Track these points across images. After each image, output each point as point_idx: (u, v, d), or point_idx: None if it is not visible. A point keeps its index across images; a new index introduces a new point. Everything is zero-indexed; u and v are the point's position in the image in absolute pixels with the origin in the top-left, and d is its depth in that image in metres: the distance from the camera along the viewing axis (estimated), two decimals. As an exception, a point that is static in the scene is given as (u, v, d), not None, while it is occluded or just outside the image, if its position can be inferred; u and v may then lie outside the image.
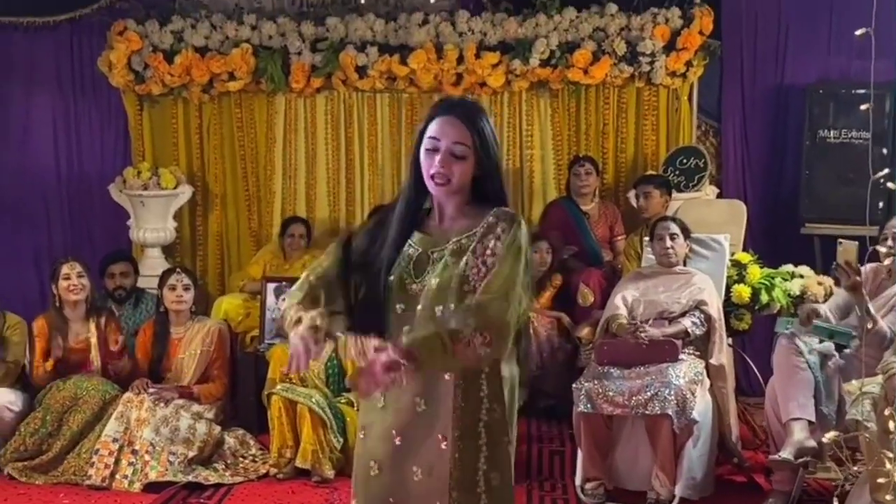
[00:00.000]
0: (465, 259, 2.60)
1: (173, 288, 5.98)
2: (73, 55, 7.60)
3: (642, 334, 5.20)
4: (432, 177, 2.65)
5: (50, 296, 6.09)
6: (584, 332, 6.07)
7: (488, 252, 2.59)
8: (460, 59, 7.11)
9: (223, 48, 7.19)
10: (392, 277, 2.69)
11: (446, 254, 2.65)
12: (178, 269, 6.14)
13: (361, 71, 7.18)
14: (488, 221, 2.61)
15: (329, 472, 5.42)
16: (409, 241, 2.73)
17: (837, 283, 5.32)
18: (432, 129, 2.67)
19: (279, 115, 7.53)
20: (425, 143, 2.67)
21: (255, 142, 7.54)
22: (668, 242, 5.53)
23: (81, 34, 7.55)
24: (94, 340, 5.93)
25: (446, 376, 2.62)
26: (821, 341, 5.04)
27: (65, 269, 5.95)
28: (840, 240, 5.05)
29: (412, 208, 2.75)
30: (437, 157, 2.63)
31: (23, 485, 5.47)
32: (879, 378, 4.23)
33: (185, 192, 7.34)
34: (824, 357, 5.04)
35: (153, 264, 7.13)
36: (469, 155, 2.63)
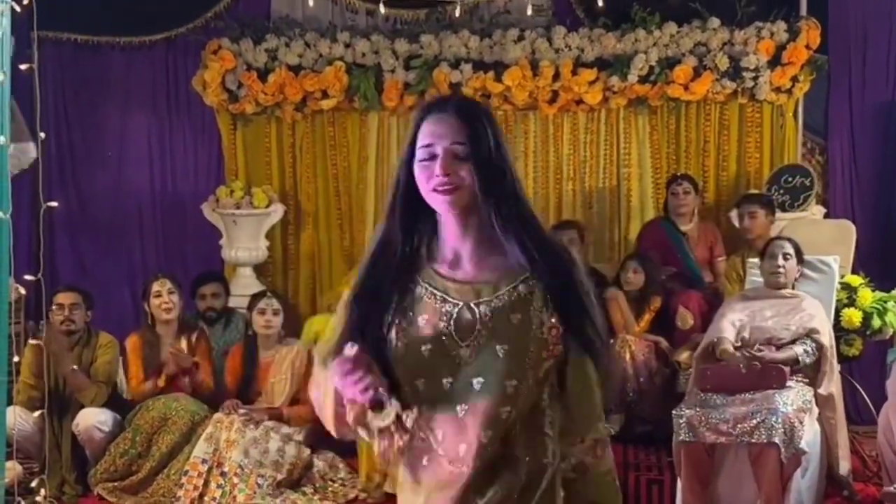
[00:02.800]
0: (534, 315, 2.11)
1: (262, 312, 5.99)
2: (168, 74, 7.70)
3: (759, 354, 5.06)
4: (434, 190, 2.11)
5: (142, 314, 6.15)
6: (684, 356, 5.94)
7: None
8: (556, 76, 7.03)
9: (316, 66, 7.20)
10: (426, 347, 2.13)
11: (504, 307, 2.12)
12: (267, 294, 6.15)
13: (455, 88, 7.11)
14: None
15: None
16: (432, 290, 2.17)
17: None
18: (423, 132, 2.15)
19: (372, 133, 7.51)
20: (418, 155, 2.13)
21: (348, 160, 7.52)
22: (781, 261, 5.39)
23: (177, 53, 7.65)
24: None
25: None
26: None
27: (156, 287, 6.03)
28: None
29: (405, 252, 2.18)
30: (437, 164, 2.11)
31: (113, 505, 5.53)
32: None
33: (278, 210, 7.34)
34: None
35: (245, 283, 7.14)
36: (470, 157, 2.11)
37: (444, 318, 2.12)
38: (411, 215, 2.17)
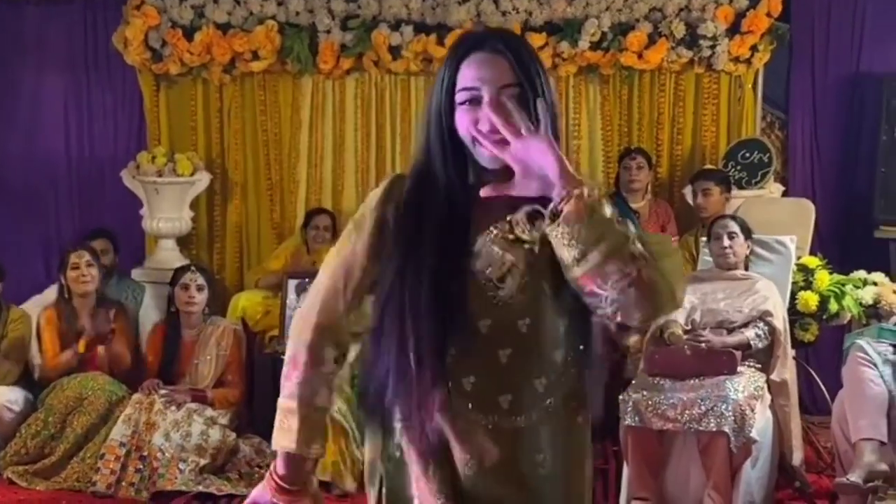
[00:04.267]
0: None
1: (186, 287, 6.00)
2: (87, 31, 7.62)
3: (710, 338, 5.15)
4: (480, 136, 2.01)
5: (58, 286, 6.13)
6: (632, 340, 5.94)
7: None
8: (503, 40, 7.00)
9: (246, 25, 7.13)
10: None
11: (545, 246, 2.06)
12: (192, 268, 6.15)
13: (395, 51, 7.10)
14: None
15: (350, 485, 5.41)
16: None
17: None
18: (465, 75, 2.05)
19: (305, 98, 7.47)
20: (458, 97, 2.05)
21: (279, 127, 7.49)
22: (727, 242, 5.48)
23: (96, 9, 7.56)
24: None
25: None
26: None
27: (73, 258, 6.02)
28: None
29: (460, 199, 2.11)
30: (482, 111, 2.01)
31: (23, 490, 5.49)
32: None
33: (203, 179, 7.31)
34: (900, 369, 4.94)
35: (167, 257, 7.15)
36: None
37: (491, 259, 2.09)
38: (445, 157, 2.11)
